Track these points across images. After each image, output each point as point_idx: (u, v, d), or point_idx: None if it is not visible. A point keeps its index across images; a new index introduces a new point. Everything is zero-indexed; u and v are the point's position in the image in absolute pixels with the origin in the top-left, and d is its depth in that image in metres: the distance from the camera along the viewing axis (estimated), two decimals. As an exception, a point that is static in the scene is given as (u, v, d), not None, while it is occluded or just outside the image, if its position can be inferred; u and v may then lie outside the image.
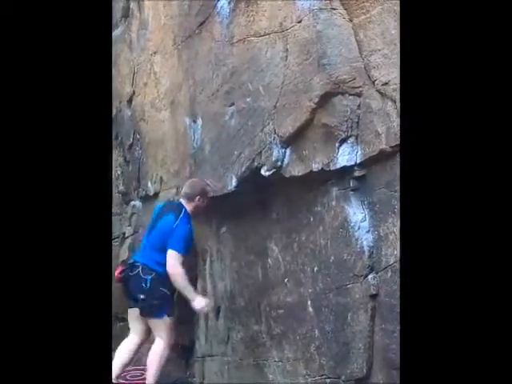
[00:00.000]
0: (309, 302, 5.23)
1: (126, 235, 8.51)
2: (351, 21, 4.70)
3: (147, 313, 5.61)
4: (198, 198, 5.74)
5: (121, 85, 8.21)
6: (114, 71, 8.39)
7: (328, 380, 5.04)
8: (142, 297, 5.47)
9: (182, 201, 5.84)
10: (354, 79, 4.61)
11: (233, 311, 6.19)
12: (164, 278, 5.59)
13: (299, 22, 4.99)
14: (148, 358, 5.68)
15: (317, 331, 5.15)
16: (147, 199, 7.71)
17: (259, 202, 5.67)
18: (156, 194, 7.38)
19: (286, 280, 5.51)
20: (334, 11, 4.77)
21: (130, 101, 7.95)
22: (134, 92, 7.82)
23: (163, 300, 5.55)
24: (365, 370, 4.68)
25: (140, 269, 5.51)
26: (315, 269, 5.16)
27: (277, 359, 5.62)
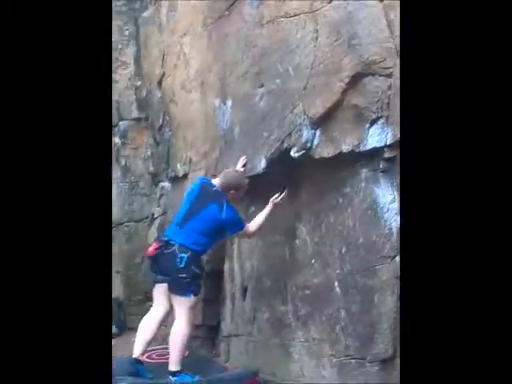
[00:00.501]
0: (336, 283, 5.23)
1: (155, 216, 8.55)
2: (382, 1, 4.68)
3: (175, 289, 5.62)
4: (232, 191, 5.71)
5: (150, 67, 8.24)
6: (143, 53, 8.48)
7: (353, 361, 5.06)
8: (180, 275, 5.51)
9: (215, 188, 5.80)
10: (385, 60, 4.60)
11: (259, 291, 6.20)
12: (198, 257, 5.64)
13: (330, 2, 5.00)
14: (170, 338, 5.70)
15: (343, 312, 5.15)
16: (176, 180, 7.73)
17: (288, 182, 5.65)
18: (185, 176, 7.39)
19: (313, 261, 5.51)
20: (364, -9, 4.76)
21: (159, 82, 7.96)
22: (163, 74, 7.83)
23: (193, 279, 5.56)
24: (390, 352, 4.69)
25: (176, 247, 5.52)
26: (343, 250, 5.17)
27: (302, 340, 5.62)
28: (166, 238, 5.65)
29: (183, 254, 5.49)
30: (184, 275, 5.51)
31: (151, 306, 8.48)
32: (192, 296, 5.59)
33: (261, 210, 5.83)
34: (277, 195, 5.71)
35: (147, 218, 8.81)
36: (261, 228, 5.76)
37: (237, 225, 5.66)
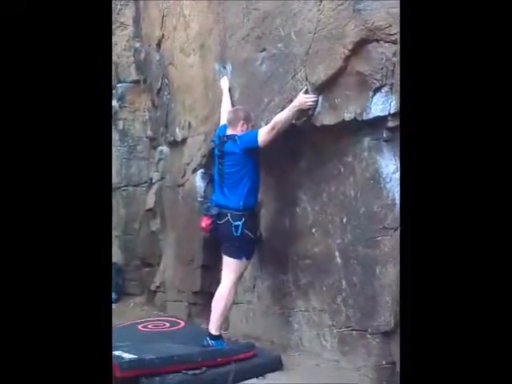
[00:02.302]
0: (337, 253, 5.19)
1: (154, 181, 8.49)
2: (389, -35, 4.55)
3: (228, 252, 5.60)
4: (241, 123, 5.55)
5: (150, 28, 8.09)
6: (142, 14, 8.33)
7: (354, 332, 5.05)
8: (235, 242, 5.50)
9: (229, 129, 5.64)
10: (390, 26, 4.48)
11: (259, 259, 6.14)
12: (252, 217, 5.58)
13: (334, -35, 4.85)
14: (213, 301, 5.66)
15: (344, 283, 5.12)
16: (175, 145, 7.64)
17: (289, 150, 5.55)
18: (184, 140, 7.30)
19: (313, 230, 5.45)
20: (370, -46, 4.62)
21: (158, 44, 7.81)
22: (162, 36, 7.68)
23: (247, 243, 5.53)
24: (392, 324, 4.65)
25: (229, 216, 5.48)
26: (344, 220, 5.11)
27: (303, 309, 5.60)
28: (216, 208, 5.58)
29: (238, 222, 5.43)
30: (237, 240, 5.49)
31: (147, 271, 8.58)
32: (244, 259, 5.58)
33: (261, 177, 5.74)
34: (306, 93, 5.22)
35: (145, 182, 8.75)
36: (283, 126, 5.26)
37: (252, 136, 5.39)
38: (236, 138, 5.46)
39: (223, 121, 5.87)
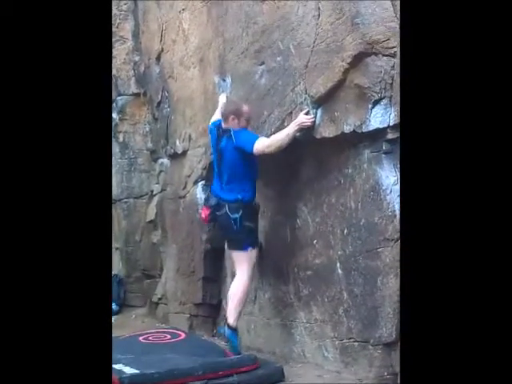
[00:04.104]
0: (338, 265, 5.20)
1: (154, 193, 8.52)
2: (386, -21, 4.61)
3: (232, 246, 5.77)
4: (231, 117, 5.58)
5: (149, 42, 8.13)
6: (142, 28, 8.37)
7: (356, 343, 5.04)
8: (236, 235, 5.63)
9: (227, 121, 5.64)
10: (388, 39, 4.53)
11: (260, 271, 6.16)
12: (250, 208, 5.64)
13: (332, -21, 4.90)
14: (230, 292, 5.74)
15: (345, 294, 5.13)
16: (175, 157, 7.67)
17: (289, 162, 5.58)
18: (184, 152, 7.33)
19: (314, 241, 5.47)
20: (368, -31, 4.68)
21: (158, 58, 7.86)
22: (162, 49, 7.73)
23: (248, 233, 5.61)
24: (394, 335, 4.67)
25: (226, 208, 5.55)
26: (345, 231, 5.13)
27: (304, 320, 5.60)
28: (215, 199, 5.69)
29: (235, 215, 5.51)
30: (238, 233, 5.58)
31: (149, 283, 8.60)
32: (250, 248, 5.65)
33: (260, 189, 5.79)
34: (306, 114, 5.25)
35: (146, 194, 8.78)
36: (280, 146, 5.31)
37: (249, 140, 5.41)
38: (232, 134, 5.51)
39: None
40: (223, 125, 5.65)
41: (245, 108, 5.64)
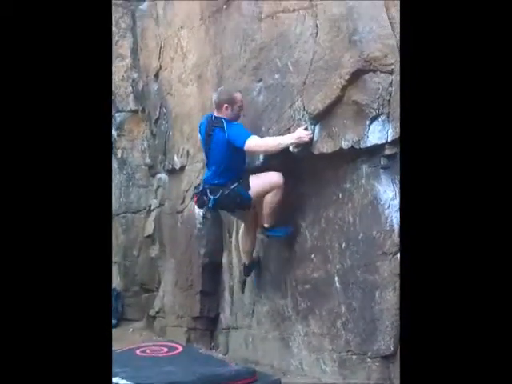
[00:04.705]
0: (336, 278, 5.25)
1: (152, 208, 8.57)
2: (383, -4, 4.70)
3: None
4: (225, 106, 5.66)
5: (148, 59, 8.22)
6: (140, 45, 8.45)
7: (354, 356, 5.08)
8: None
9: (219, 110, 5.74)
10: (386, 56, 4.61)
11: (258, 285, 6.22)
12: (233, 190, 5.72)
13: (330, -3, 4.98)
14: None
15: (343, 307, 5.17)
16: (173, 173, 7.74)
17: (288, 177, 5.64)
18: (182, 168, 7.40)
19: (312, 255, 5.52)
20: (365, -13, 4.76)
21: (156, 75, 7.95)
22: (160, 66, 7.81)
23: (240, 199, 5.73)
24: (392, 348, 4.71)
25: (208, 190, 5.77)
26: (343, 245, 5.18)
27: (302, 334, 5.64)
28: (201, 186, 5.91)
29: (212, 196, 5.72)
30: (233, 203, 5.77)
31: (147, 297, 8.64)
32: (238, 211, 6.00)
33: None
34: (305, 129, 5.30)
35: (144, 209, 8.84)
36: (269, 151, 5.56)
37: (242, 135, 5.49)
38: (224, 125, 5.60)
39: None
40: (216, 113, 5.74)
41: (238, 96, 5.73)
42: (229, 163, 5.67)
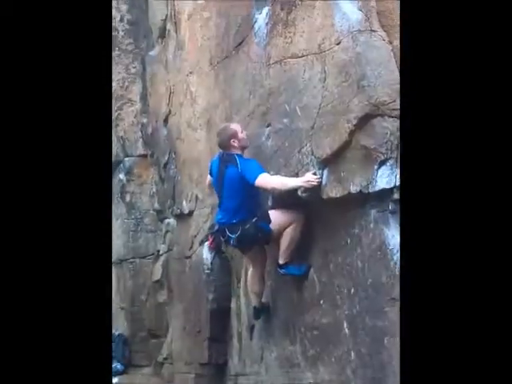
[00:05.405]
0: (345, 324, 5.19)
1: (160, 253, 8.57)
2: (391, 43, 4.74)
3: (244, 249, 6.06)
4: (232, 140, 5.72)
5: (157, 104, 8.28)
6: (150, 90, 8.52)
7: (364, 403, 5.01)
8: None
9: (227, 147, 5.79)
10: (394, 101, 4.61)
11: (267, 331, 6.16)
12: (249, 226, 5.68)
13: (338, 43, 5.01)
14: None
15: (353, 353, 5.11)
16: (182, 217, 7.74)
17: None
18: (191, 213, 7.41)
19: (321, 301, 5.48)
20: (373, 33, 4.81)
21: (166, 120, 8.01)
22: (170, 111, 7.88)
23: (261, 233, 5.71)
24: (402, 394, 4.64)
25: (227, 231, 5.74)
26: (352, 291, 5.13)
27: (312, 381, 5.56)
28: (217, 226, 5.89)
29: (233, 235, 5.69)
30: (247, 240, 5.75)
31: (154, 342, 8.59)
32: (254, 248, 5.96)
33: (267, 247, 5.86)
34: (314, 174, 5.28)
35: (152, 254, 8.83)
36: (276, 190, 5.57)
37: (254, 171, 5.51)
38: (237, 161, 5.64)
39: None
40: (225, 151, 5.78)
41: (237, 126, 5.83)
42: (244, 199, 5.68)
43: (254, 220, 5.61)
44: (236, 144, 5.71)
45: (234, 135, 5.73)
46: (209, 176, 6.12)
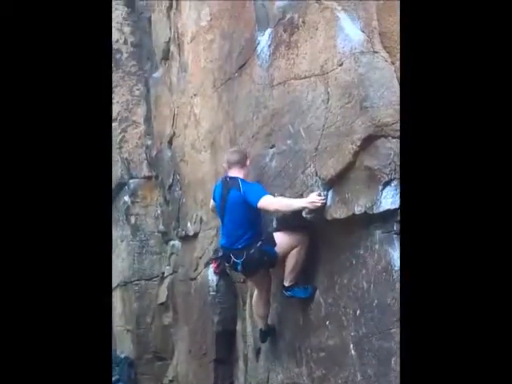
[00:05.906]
0: (351, 346, 5.16)
1: (165, 275, 8.56)
2: (393, 63, 4.74)
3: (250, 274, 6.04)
4: (239, 165, 5.84)
5: (161, 126, 8.32)
6: (154, 113, 8.56)
7: (371, 426, 4.97)
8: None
9: (233, 170, 5.85)
10: (397, 122, 4.60)
11: (273, 353, 6.14)
12: (253, 251, 5.68)
13: (340, 65, 5.02)
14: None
15: (359, 375, 5.07)
16: (187, 239, 7.74)
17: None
18: (196, 235, 7.41)
19: (327, 322, 5.45)
20: (375, 54, 4.82)
21: (170, 142, 8.04)
22: (174, 133, 7.91)
23: (267, 256, 5.70)
24: (410, 417, 4.60)
25: (232, 257, 5.73)
26: (357, 312, 5.11)
27: (318, 403, 5.54)
28: (221, 252, 5.91)
29: (239, 260, 5.68)
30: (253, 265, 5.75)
31: (160, 365, 8.57)
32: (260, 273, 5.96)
33: (272, 269, 5.85)
34: (319, 195, 5.25)
35: (157, 276, 8.83)
36: (280, 211, 5.61)
37: (257, 193, 5.53)
38: (240, 185, 5.66)
39: None
40: (229, 174, 5.83)
41: (244, 153, 5.93)
42: (247, 223, 5.70)
43: (258, 244, 5.60)
44: (242, 169, 5.78)
45: (242, 161, 5.84)
46: (212, 201, 6.12)
